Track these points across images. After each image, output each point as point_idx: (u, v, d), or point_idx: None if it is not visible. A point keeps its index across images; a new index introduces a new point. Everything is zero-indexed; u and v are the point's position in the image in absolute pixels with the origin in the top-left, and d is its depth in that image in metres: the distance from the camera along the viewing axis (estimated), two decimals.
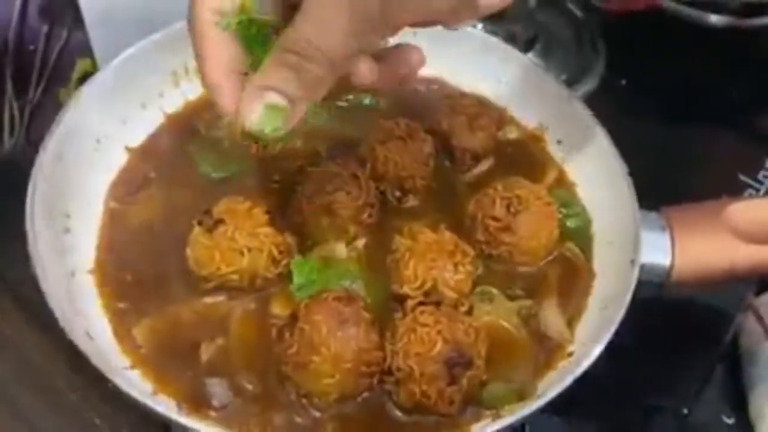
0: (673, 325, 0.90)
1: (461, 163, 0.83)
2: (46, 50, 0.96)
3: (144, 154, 0.82)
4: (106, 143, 0.79)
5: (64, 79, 0.97)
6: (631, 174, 0.77)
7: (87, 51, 0.95)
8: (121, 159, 0.80)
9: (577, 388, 0.64)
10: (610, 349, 0.65)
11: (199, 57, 0.52)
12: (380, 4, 0.45)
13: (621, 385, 0.83)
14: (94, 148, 0.78)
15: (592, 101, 1.07)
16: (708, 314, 0.90)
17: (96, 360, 0.60)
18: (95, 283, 0.71)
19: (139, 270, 0.72)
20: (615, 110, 1.07)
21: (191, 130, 0.84)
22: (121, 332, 0.67)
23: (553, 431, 0.83)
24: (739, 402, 0.83)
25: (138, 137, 0.82)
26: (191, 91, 0.86)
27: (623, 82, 1.13)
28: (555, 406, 0.63)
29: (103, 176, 0.78)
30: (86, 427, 0.74)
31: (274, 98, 0.47)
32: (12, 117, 0.97)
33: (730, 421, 0.83)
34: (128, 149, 0.81)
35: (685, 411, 0.84)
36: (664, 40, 1.12)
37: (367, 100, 0.89)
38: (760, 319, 0.83)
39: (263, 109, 0.47)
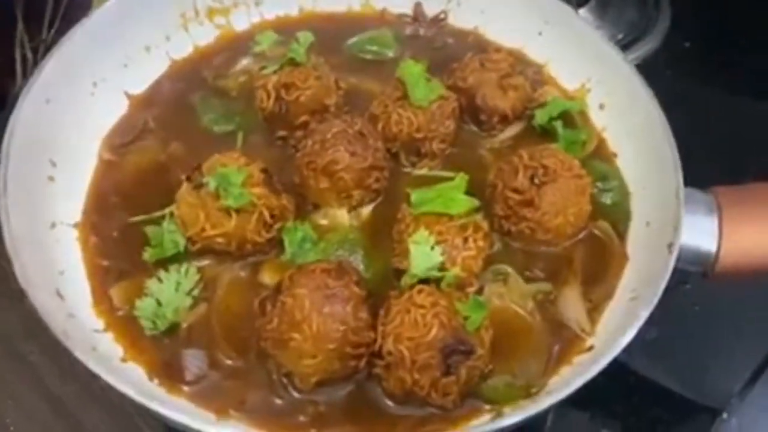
0: (720, 315, 0.80)
1: (487, 126, 0.74)
2: None
3: (145, 101, 0.76)
4: (103, 87, 0.73)
5: (80, 20, 0.92)
6: (682, 149, 0.67)
7: None
8: (119, 105, 0.75)
9: (604, 381, 0.56)
10: (642, 340, 0.57)
11: None
12: None
13: (653, 380, 0.75)
14: (90, 91, 0.73)
15: (648, 65, 0.98)
16: (763, 303, 0.79)
17: (58, 322, 0.55)
18: (78, 236, 0.66)
19: (126, 226, 0.67)
20: (674, 76, 0.97)
21: (197, 78, 0.78)
22: (98, 291, 0.63)
23: (577, 426, 0.76)
24: None
25: (139, 83, 0.76)
26: (201, 36, 0.81)
27: (687, 44, 1.01)
28: (579, 399, 0.55)
29: (97, 123, 0.73)
30: None
31: None
32: (24, 57, 0.93)
33: None
34: (128, 95, 0.76)
35: (725, 416, 0.75)
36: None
37: (390, 53, 0.82)
38: None
39: None
